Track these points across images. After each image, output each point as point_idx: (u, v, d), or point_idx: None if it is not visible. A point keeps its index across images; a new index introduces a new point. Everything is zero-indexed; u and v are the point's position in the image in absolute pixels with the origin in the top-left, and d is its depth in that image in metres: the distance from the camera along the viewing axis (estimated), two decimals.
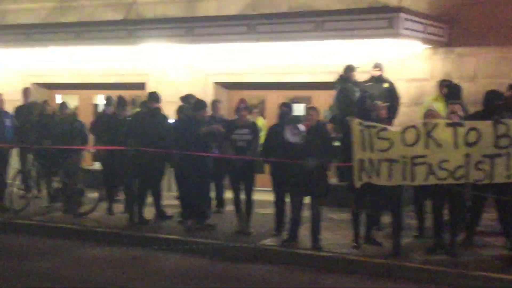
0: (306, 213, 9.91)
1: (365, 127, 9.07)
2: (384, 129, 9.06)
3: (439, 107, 10.98)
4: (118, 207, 12.34)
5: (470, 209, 9.77)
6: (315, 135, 9.59)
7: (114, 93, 16.16)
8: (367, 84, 12.55)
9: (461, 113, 9.46)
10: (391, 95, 12.52)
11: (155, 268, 9.38)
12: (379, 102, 9.88)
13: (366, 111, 9.70)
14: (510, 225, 9.43)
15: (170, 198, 12.61)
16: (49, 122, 12.86)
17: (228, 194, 11.32)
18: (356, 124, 9.15)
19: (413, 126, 8.91)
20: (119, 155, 11.53)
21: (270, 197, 10.78)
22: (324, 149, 9.59)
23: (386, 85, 12.57)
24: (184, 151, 10.66)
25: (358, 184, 9.26)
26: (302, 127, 9.53)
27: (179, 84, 15.63)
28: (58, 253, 10.18)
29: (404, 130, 8.92)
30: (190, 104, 11.45)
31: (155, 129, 11.23)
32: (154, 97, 11.68)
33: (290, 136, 9.52)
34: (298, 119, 10.57)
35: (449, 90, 11.20)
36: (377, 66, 12.62)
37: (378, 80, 12.55)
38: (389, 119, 12.30)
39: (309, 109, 10.01)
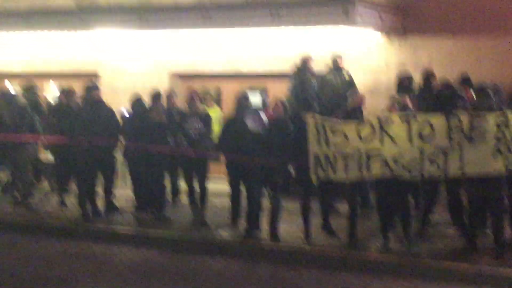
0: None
1: (320, 121, 9.01)
2: (338, 123, 9.02)
3: None
4: (71, 199, 12.10)
5: (425, 199, 9.83)
6: (277, 129, 9.49)
7: (67, 83, 16.03)
8: (328, 75, 12.46)
9: (410, 105, 9.45)
10: (351, 85, 12.49)
11: (108, 262, 9.20)
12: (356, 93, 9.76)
13: (308, 101, 9.62)
14: (460, 213, 9.50)
15: (124, 189, 12.41)
16: None
17: (184, 184, 11.16)
18: (311, 118, 9.08)
19: (367, 121, 8.89)
20: (70, 147, 11.26)
21: (225, 186, 10.67)
22: (283, 144, 9.47)
23: (345, 75, 12.53)
24: (138, 143, 10.48)
25: (315, 180, 9.21)
26: (264, 116, 9.42)
27: (133, 75, 15.44)
28: (6, 248, 9.93)
29: (359, 124, 8.89)
30: (141, 107, 11.18)
31: (101, 122, 10.99)
32: (92, 87, 11.42)
33: (252, 124, 9.42)
34: (256, 109, 10.45)
35: (399, 83, 11.23)
36: (339, 56, 12.55)
37: (337, 70, 12.48)
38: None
39: (278, 101, 9.89)
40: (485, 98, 8.59)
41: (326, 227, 9.82)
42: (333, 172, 9.01)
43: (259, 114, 9.41)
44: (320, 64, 12.80)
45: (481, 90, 8.73)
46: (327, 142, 8.97)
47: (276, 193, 9.62)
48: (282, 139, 9.44)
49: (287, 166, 9.66)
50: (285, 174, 9.51)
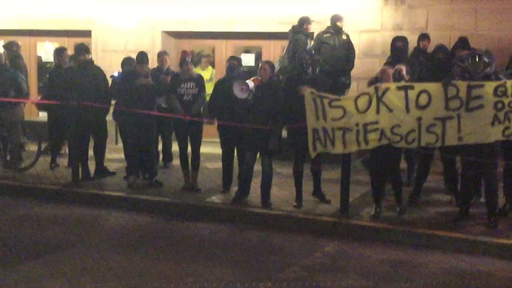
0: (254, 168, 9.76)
1: (318, 97, 8.87)
2: (337, 99, 8.89)
3: None
4: (63, 162, 12.02)
5: (418, 166, 9.79)
6: (267, 92, 9.34)
7: (59, 41, 15.83)
8: (326, 35, 12.26)
9: (406, 76, 9.32)
10: (349, 47, 12.32)
11: (98, 226, 9.15)
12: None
13: (303, 68, 9.44)
14: (455, 182, 9.45)
15: (117, 152, 12.32)
16: None
17: (176, 147, 11.03)
18: (308, 93, 8.93)
19: (364, 93, 8.76)
20: (61, 108, 11.12)
21: (219, 149, 10.57)
22: (274, 109, 9.32)
23: (344, 37, 12.32)
24: (127, 104, 10.33)
25: (312, 154, 9.12)
26: (251, 83, 9.25)
27: (126, 33, 15.21)
28: None
29: (357, 98, 8.76)
30: (131, 66, 10.97)
31: (90, 83, 10.81)
32: (82, 48, 11.16)
33: (238, 92, 9.24)
34: (246, 74, 10.28)
35: (395, 47, 11.07)
36: (340, 18, 12.31)
37: (337, 31, 12.26)
38: (347, 70, 12.25)
39: (264, 63, 9.66)
40: (482, 65, 8.41)
41: (318, 193, 9.77)
42: (331, 145, 8.92)
43: (245, 82, 9.21)
44: (315, 25, 12.60)
45: (476, 57, 8.52)
46: (324, 116, 8.85)
47: (267, 158, 9.50)
48: (272, 103, 9.29)
49: (278, 130, 9.50)
50: (276, 138, 9.35)
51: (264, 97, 9.30)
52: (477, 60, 8.42)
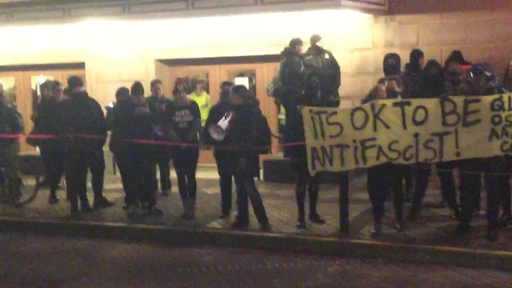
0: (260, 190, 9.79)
1: (316, 114, 8.91)
2: (334, 113, 8.92)
3: None
4: (61, 194, 12.02)
5: (416, 181, 9.80)
6: (241, 117, 9.43)
7: (53, 74, 15.90)
8: (308, 57, 12.34)
9: (398, 89, 9.35)
10: (333, 65, 12.40)
11: (100, 259, 9.13)
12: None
13: (313, 90, 9.52)
14: (453, 196, 9.47)
15: (115, 182, 12.33)
16: None
17: (174, 174, 11.05)
18: (306, 111, 8.98)
19: (361, 108, 8.79)
20: (57, 141, 11.13)
21: (216, 175, 10.58)
22: (247, 131, 9.43)
23: (326, 55, 12.40)
24: (124, 134, 10.36)
25: (312, 172, 9.15)
26: (224, 122, 9.34)
27: (119, 62, 15.31)
28: None
29: (353, 113, 8.78)
30: (126, 96, 11.01)
31: (85, 115, 10.85)
32: (75, 82, 11.20)
33: (215, 135, 9.45)
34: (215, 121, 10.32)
35: (387, 64, 11.12)
36: (318, 38, 12.41)
37: (318, 51, 12.36)
38: (334, 89, 12.31)
39: (232, 90, 9.77)
40: (484, 80, 8.45)
41: (314, 214, 9.79)
42: (329, 163, 8.94)
43: (218, 125, 9.34)
44: (306, 45, 12.68)
45: (478, 72, 8.57)
46: (322, 134, 8.88)
47: (247, 181, 9.55)
48: (244, 125, 9.41)
49: (254, 151, 9.60)
50: (245, 159, 9.45)
51: (238, 121, 9.41)
52: (478, 75, 8.46)
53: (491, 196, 8.62)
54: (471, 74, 8.57)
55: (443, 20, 12.85)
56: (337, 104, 12.20)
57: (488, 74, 8.50)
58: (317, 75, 10.00)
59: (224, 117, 9.43)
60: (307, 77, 9.76)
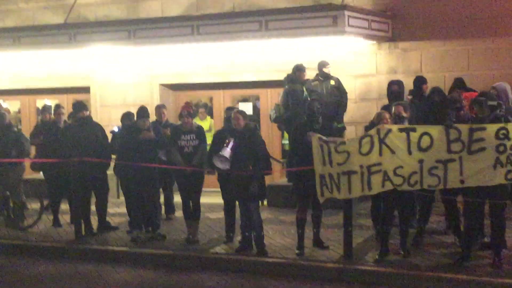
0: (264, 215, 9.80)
1: (324, 142, 8.97)
2: (343, 143, 8.98)
3: None
4: (65, 218, 12.03)
5: (420, 208, 9.80)
6: (243, 140, 9.49)
7: (58, 98, 15.99)
8: (314, 82, 12.42)
9: (405, 114, 9.40)
10: (339, 92, 12.45)
11: (103, 283, 9.12)
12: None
13: (315, 115, 9.58)
14: (457, 223, 9.47)
15: (119, 206, 12.33)
16: None
17: (178, 198, 11.06)
18: (316, 139, 9.04)
19: (367, 135, 8.84)
20: (61, 165, 11.17)
21: (220, 199, 10.60)
22: (254, 154, 9.50)
23: (332, 82, 12.46)
24: (129, 159, 10.40)
25: (321, 199, 9.19)
26: (226, 151, 9.41)
27: (124, 87, 15.39)
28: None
29: (361, 140, 8.84)
30: (131, 120, 11.08)
31: (90, 139, 10.93)
32: (79, 106, 11.29)
33: (220, 165, 9.50)
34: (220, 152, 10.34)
35: (391, 91, 11.17)
36: (326, 64, 12.48)
37: (324, 77, 12.44)
38: (339, 115, 12.36)
39: (235, 112, 9.84)
40: (488, 110, 8.51)
41: (317, 241, 9.80)
42: (337, 191, 8.98)
43: (221, 154, 9.41)
44: (310, 71, 12.78)
45: (480, 103, 8.62)
46: (330, 161, 8.93)
47: (253, 205, 9.59)
48: (248, 149, 9.48)
49: (259, 175, 9.64)
50: (257, 183, 9.49)
51: (241, 145, 9.44)
52: (480, 106, 8.52)
53: (495, 224, 8.62)
54: (475, 105, 8.63)
55: (446, 47, 12.94)
56: (341, 130, 12.25)
57: (493, 103, 8.54)
58: (319, 101, 10.04)
59: (225, 145, 9.48)
60: (308, 103, 9.81)
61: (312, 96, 11.74)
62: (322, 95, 12.08)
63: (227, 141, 9.53)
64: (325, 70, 12.40)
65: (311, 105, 9.61)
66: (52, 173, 11.75)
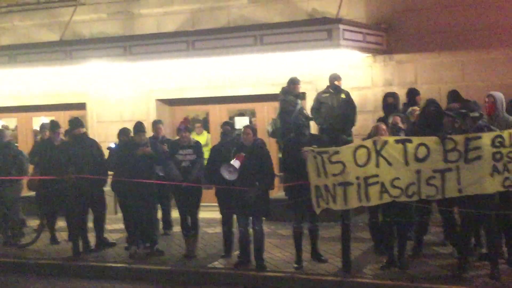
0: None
1: (318, 154, 8.98)
2: (336, 153, 8.98)
3: None
4: (63, 235, 12.00)
5: (418, 219, 9.80)
6: (251, 156, 9.50)
7: (54, 114, 15.98)
8: (324, 94, 12.41)
9: (402, 125, 9.43)
10: (349, 105, 12.42)
11: None
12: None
13: (300, 128, 9.61)
14: (455, 234, 9.47)
15: (116, 222, 12.31)
16: None
17: (176, 214, 11.06)
18: (309, 152, 9.06)
19: (363, 145, 8.86)
20: (57, 183, 11.14)
21: (218, 214, 10.60)
22: (262, 170, 9.52)
23: (343, 95, 12.43)
24: (126, 175, 10.41)
25: (317, 210, 9.18)
26: (237, 162, 9.41)
27: (120, 103, 15.39)
28: None
29: (355, 150, 8.86)
30: (128, 136, 11.09)
31: (86, 156, 10.94)
32: (75, 123, 11.31)
33: (227, 174, 9.46)
34: (240, 137, 10.40)
35: (386, 103, 11.19)
36: (337, 77, 12.49)
37: (335, 90, 12.42)
38: (348, 128, 12.38)
39: (245, 127, 9.88)
40: (471, 121, 8.55)
41: (315, 254, 9.79)
42: (333, 202, 8.97)
43: (231, 164, 9.40)
44: (306, 85, 12.83)
45: (462, 116, 8.67)
46: (325, 172, 8.93)
47: (257, 220, 9.60)
48: (257, 165, 9.50)
49: (266, 195, 9.64)
50: (263, 202, 9.50)
51: (249, 161, 9.44)
52: (463, 118, 8.57)
53: (490, 234, 8.62)
54: (458, 118, 8.68)
55: (441, 59, 12.98)
56: (349, 143, 12.23)
57: (476, 114, 8.60)
58: (304, 115, 10.05)
59: (236, 157, 9.48)
60: (293, 117, 9.83)
61: (322, 109, 11.77)
62: (332, 108, 12.11)
63: (237, 154, 9.51)
64: (336, 83, 12.40)
65: (296, 118, 9.63)
66: (46, 191, 11.67)
